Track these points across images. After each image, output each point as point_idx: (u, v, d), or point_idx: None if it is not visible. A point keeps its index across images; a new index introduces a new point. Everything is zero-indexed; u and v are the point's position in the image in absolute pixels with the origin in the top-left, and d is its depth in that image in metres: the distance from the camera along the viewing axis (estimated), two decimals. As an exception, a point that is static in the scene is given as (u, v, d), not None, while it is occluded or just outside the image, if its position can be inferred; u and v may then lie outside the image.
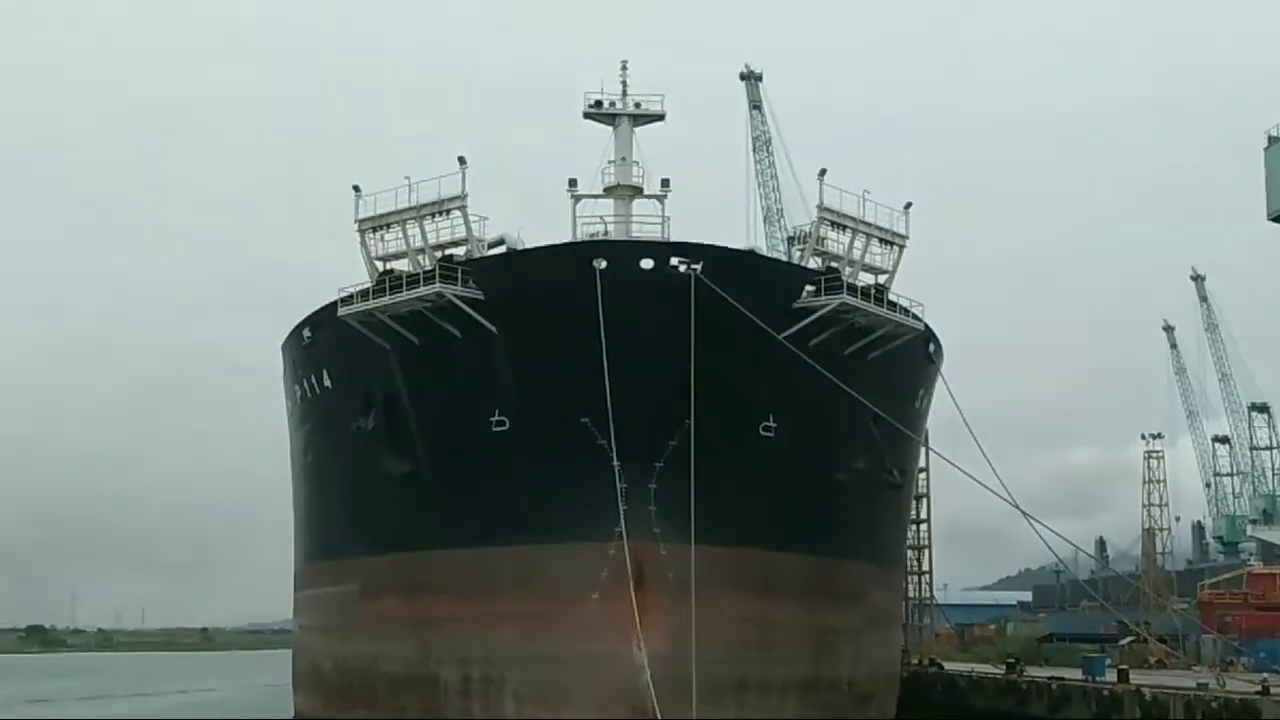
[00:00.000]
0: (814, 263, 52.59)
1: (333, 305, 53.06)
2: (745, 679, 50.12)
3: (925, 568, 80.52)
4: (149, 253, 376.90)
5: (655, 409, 46.22)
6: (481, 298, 48.76)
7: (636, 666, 45.46)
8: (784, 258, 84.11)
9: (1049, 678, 61.31)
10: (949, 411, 58.10)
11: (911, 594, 79.02)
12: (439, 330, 49.58)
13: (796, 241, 67.63)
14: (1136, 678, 56.34)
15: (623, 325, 45.43)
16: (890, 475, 57.50)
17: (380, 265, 53.20)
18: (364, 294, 51.75)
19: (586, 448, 46.32)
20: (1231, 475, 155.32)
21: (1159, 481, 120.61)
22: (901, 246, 54.94)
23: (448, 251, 51.03)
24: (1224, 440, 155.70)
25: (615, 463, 45.57)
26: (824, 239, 53.07)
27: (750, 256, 56.52)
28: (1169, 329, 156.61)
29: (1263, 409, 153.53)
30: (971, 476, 52.73)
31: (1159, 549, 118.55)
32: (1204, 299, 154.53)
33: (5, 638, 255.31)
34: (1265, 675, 51.91)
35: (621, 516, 45.70)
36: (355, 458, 55.60)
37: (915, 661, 75.37)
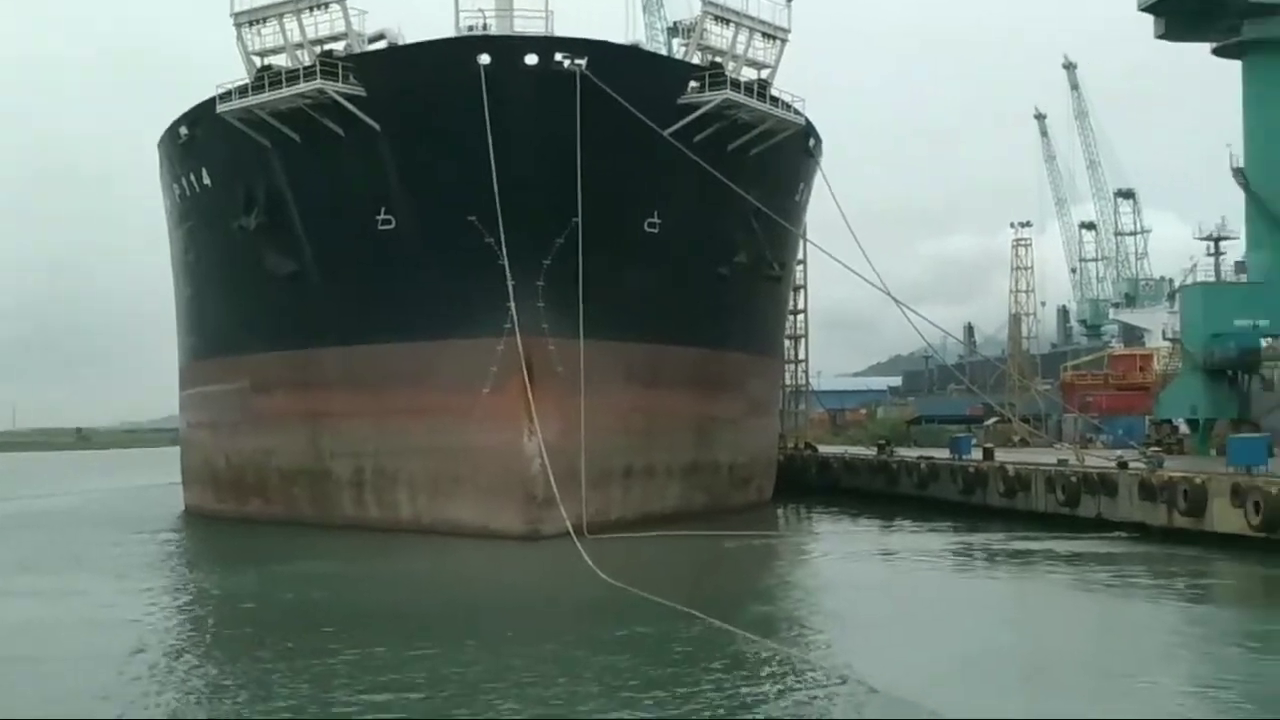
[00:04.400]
0: (697, 58, 52.71)
1: (210, 102, 52.12)
2: (631, 466, 52.02)
3: (802, 356, 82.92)
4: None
5: (542, 207, 46.65)
6: (364, 94, 48.26)
7: (527, 456, 46.96)
8: (664, 50, 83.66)
9: (918, 457, 64.51)
10: (827, 204, 59.38)
11: (788, 382, 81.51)
12: (321, 128, 49.12)
13: (679, 34, 67.18)
14: (1001, 455, 59.56)
15: (508, 122, 45.47)
16: (770, 268, 58.87)
17: (258, 61, 52.14)
18: (242, 90, 50.86)
19: (474, 246, 46.72)
20: (1096, 260, 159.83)
21: (1027, 268, 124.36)
22: (784, 40, 55.14)
23: (327, 47, 50.19)
24: (1090, 226, 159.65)
25: (503, 260, 46.06)
26: (707, 33, 53.07)
27: (635, 52, 56.36)
28: (1040, 117, 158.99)
29: (1128, 195, 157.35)
30: (847, 266, 54.32)
31: (1025, 333, 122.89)
32: (1075, 87, 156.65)
33: None
34: (1121, 451, 55.30)
35: (511, 313, 46.47)
36: (239, 256, 55.40)
37: (792, 445, 78.32)
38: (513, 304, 46.47)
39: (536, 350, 47.31)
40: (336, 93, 48.01)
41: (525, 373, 46.62)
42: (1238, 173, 64.21)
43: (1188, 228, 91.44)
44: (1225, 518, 40.03)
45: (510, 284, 46.45)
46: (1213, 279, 79.78)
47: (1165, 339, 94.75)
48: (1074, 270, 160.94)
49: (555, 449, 46.68)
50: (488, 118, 45.16)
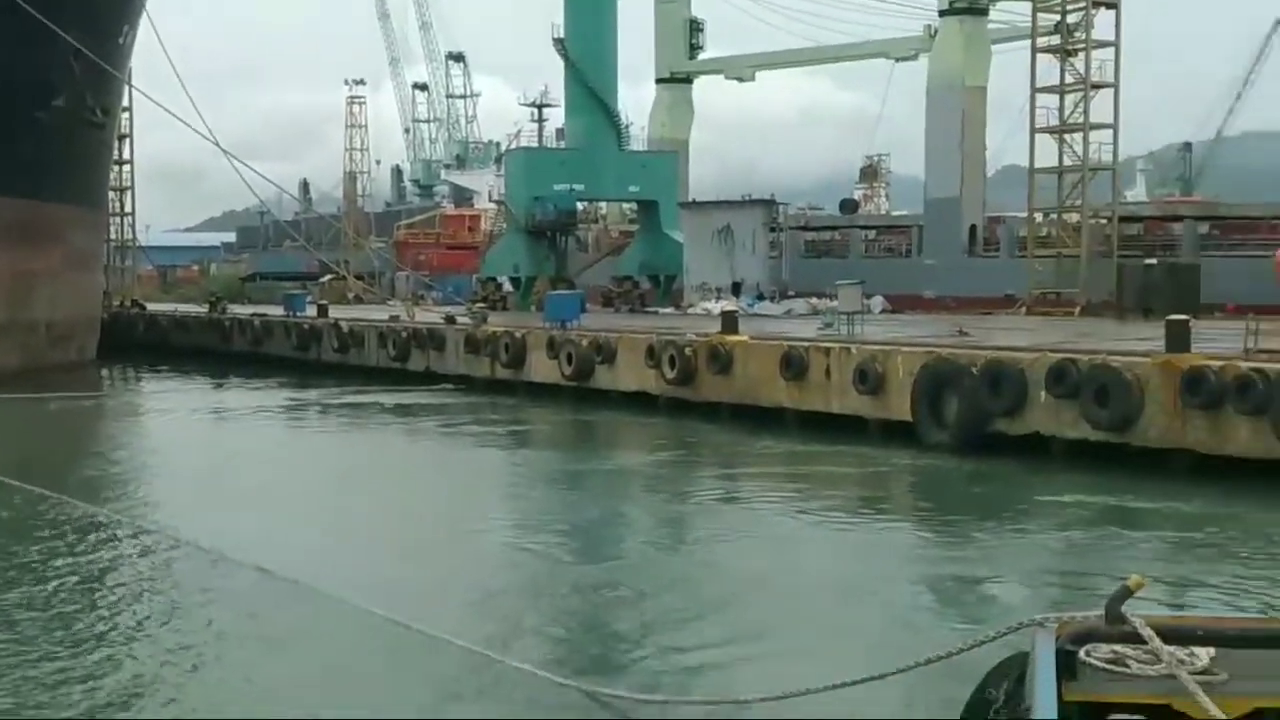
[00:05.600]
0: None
1: None
2: (-67, 325, 47.62)
3: (128, 210, 79.14)
4: None
5: None
6: None
7: None
8: None
9: (252, 315, 63.85)
10: (155, 49, 56.70)
11: (114, 236, 77.57)
12: None
13: None
14: (335, 312, 60.24)
15: None
16: (92, 114, 55.33)
17: None
18: None
19: None
20: (429, 121, 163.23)
21: (361, 127, 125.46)
22: None
23: None
24: (423, 87, 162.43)
25: None
26: None
27: None
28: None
29: (459, 58, 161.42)
30: (176, 116, 52.38)
31: (360, 191, 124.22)
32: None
33: None
34: (450, 307, 57.71)
35: None
36: None
37: (118, 303, 74.83)
38: None
39: None
40: None
41: None
42: (558, 43, 67.71)
43: (514, 93, 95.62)
44: (542, 369, 43.10)
45: None
46: (535, 144, 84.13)
47: (492, 200, 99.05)
48: (408, 130, 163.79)
49: None
50: None
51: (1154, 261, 50.44)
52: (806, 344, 34.85)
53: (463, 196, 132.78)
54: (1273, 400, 23.88)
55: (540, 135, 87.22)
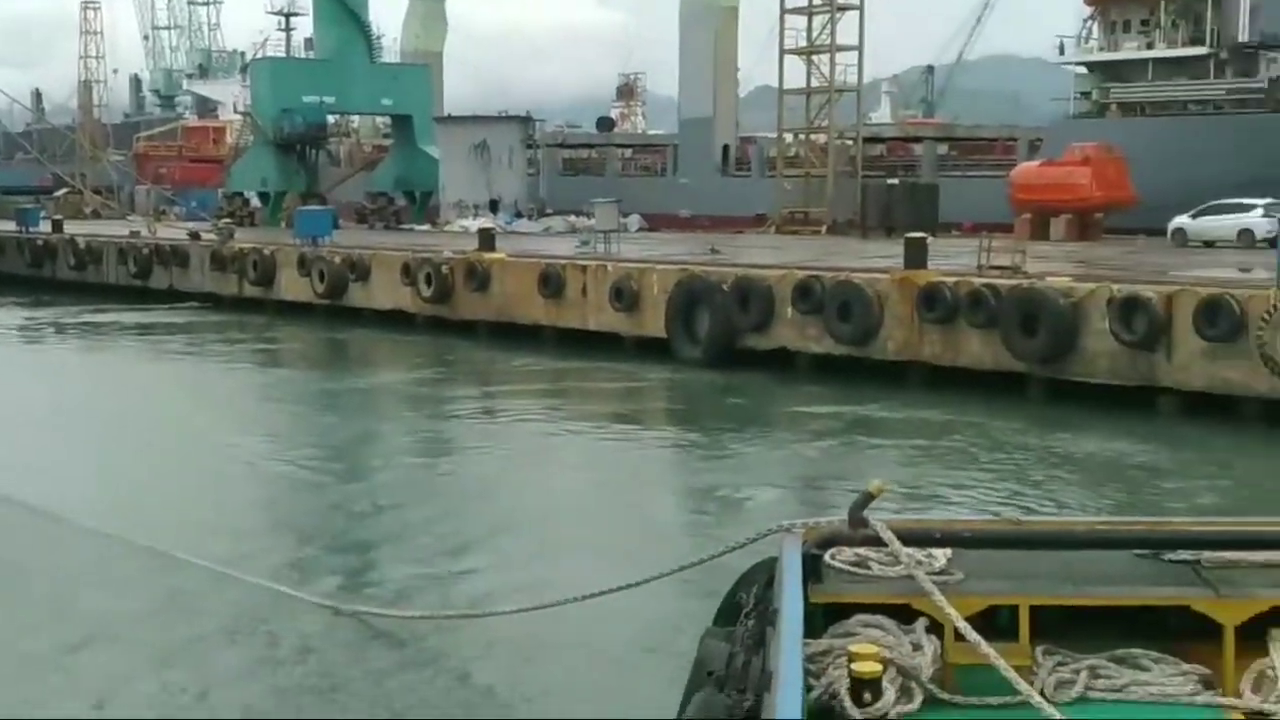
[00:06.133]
0: None
1: None
2: None
3: None
4: None
5: None
6: None
7: None
8: None
9: (-19, 231, 60.54)
10: None
11: None
12: None
13: None
14: (71, 228, 57.57)
15: None
16: None
17: None
18: None
19: None
20: (170, 29, 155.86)
21: (96, 33, 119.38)
22: None
23: None
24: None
25: None
26: None
27: None
28: None
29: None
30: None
31: (96, 101, 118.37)
32: None
33: None
34: (195, 223, 55.86)
35: None
36: None
37: None
38: None
39: None
40: None
41: None
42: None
43: (259, 1, 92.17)
44: (293, 287, 42.17)
45: None
46: (283, 54, 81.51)
47: (237, 112, 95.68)
48: (146, 38, 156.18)
49: None
50: None
51: (896, 181, 52.28)
52: (564, 262, 34.99)
53: (206, 108, 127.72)
54: (1002, 314, 25.17)
55: (288, 45, 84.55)
